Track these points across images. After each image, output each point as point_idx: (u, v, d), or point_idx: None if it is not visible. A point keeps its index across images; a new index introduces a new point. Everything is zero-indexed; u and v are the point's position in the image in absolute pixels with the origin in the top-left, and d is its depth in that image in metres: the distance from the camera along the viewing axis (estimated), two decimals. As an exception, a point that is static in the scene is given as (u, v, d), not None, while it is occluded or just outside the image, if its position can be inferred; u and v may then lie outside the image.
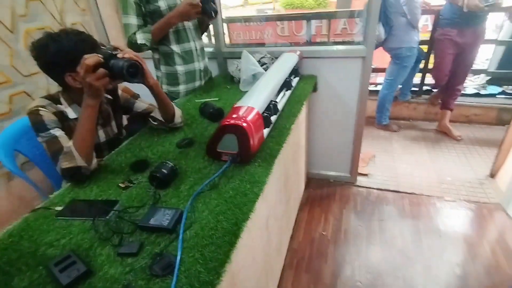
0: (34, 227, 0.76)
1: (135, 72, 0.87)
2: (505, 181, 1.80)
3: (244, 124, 0.89)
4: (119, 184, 0.90)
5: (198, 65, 1.54)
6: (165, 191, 0.85)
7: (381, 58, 2.77)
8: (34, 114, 0.94)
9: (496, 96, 2.78)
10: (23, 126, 1.22)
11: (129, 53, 0.89)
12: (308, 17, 2.74)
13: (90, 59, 0.81)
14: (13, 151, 1.21)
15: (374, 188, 2.03)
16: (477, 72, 2.93)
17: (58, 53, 0.89)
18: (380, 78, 3.17)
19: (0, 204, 1.63)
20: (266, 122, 1.03)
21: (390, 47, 2.46)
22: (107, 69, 0.84)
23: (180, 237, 0.68)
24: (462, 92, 2.82)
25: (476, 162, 2.20)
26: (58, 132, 0.94)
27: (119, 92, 1.18)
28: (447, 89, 2.56)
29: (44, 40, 0.92)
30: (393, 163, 2.29)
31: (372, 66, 3.09)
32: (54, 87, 1.72)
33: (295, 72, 1.55)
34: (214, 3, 1.36)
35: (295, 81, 1.56)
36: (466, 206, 1.82)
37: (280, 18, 2.80)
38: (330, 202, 1.94)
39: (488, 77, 2.93)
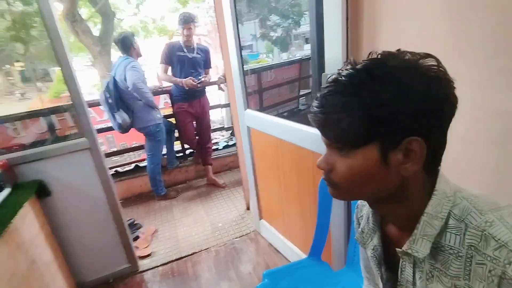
0: None
1: None
2: (252, 209, 2.24)
3: None
4: None
5: None
6: None
7: (140, 136, 2.93)
8: None
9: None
10: None
11: None
12: (42, 113, 2.51)
13: None
14: None
15: (159, 266, 1.97)
16: (219, 129, 3.68)
17: None
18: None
19: None
20: None
21: (139, 128, 2.63)
22: None
23: None
24: (216, 147, 3.43)
25: (238, 201, 2.64)
26: None
27: None
28: (201, 149, 3.01)
29: None
30: (174, 230, 2.35)
31: (136, 144, 3.21)
32: None
33: (-4, 187, 1.29)
34: None
35: (1, 196, 1.30)
36: (235, 244, 2.10)
37: None
38: (112, 308, 1.69)
39: (230, 130, 3.74)
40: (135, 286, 1.83)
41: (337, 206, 1.23)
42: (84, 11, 8.45)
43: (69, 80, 1.52)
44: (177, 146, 3.31)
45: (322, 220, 1.19)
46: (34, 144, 2.13)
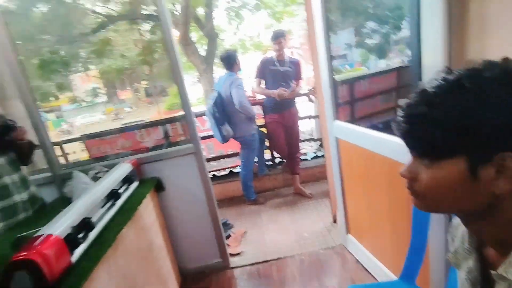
0: None
1: None
2: (339, 222, 2.17)
3: (33, 256, 0.88)
4: None
5: (19, 197, 1.47)
6: None
7: (235, 144, 3.22)
8: None
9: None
10: None
11: None
12: (161, 123, 3.06)
13: None
14: None
15: (247, 265, 2.12)
16: (308, 140, 3.69)
17: None
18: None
19: None
20: (73, 244, 1.04)
21: (236, 137, 2.88)
22: None
23: None
24: (304, 157, 3.47)
25: (324, 213, 2.61)
26: None
27: None
28: (290, 159, 3.10)
29: None
30: (262, 234, 2.48)
31: (231, 152, 3.52)
32: None
33: (129, 180, 1.64)
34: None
35: (132, 188, 1.64)
36: (320, 256, 2.07)
37: (126, 129, 3.01)
38: (206, 296, 1.90)
39: (319, 142, 3.72)
40: (226, 280, 2.01)
41: (437, 224, 1.11)
42: (194, 35, 9.79)
43: (182, 95, 1.82)
44: (266, 155, 3.50)
45: (417, 240, 1.09)
46: (154, 148, 2.61)
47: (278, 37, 2.82)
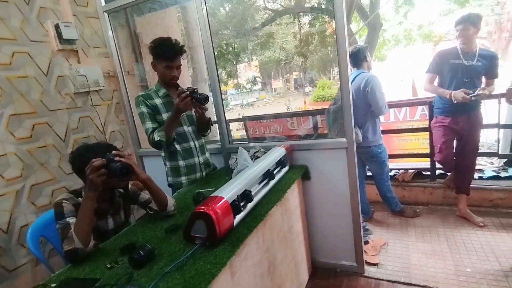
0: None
1: (126, 173, 1.14)
2: (529, 272, 1.62)
3: (209, 211, 1.06)
4: (107, 265, 1.06)
5: (198, 159, 1.83)
6: (140, 271, 1.00)
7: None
8: (57, 206, 1.21)
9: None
10: (51, 217, 1.50)
11: (122, 159, 1.16)
12: (312, 113, 3.11)
13: (97, 162, 1.09)
14: (39, 237, 1.46)
15: (384, 280, 1.91)
16: (489, 155, 2.89)
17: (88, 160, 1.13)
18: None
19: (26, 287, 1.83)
20: (236, 209, 1.19)
21: (361, 146, 2.40)
22: (107, 169, 1.11)
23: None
24: (481, 175, 2.76)
25: (502, 251, 2.00)
26: (71, 220, 1.17)
27: (130, 186, 1.45)
28: (458, 173, 2.53)
29: (81, 150, 1.25)
30: (406, 252, 2.16)
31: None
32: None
33: (282, 163, 1.75)
34: (201, 94, 1.60)
35: (283, 171, 1.74)
36: (488, 303, 1.62)
37: (279, 116, 3.20)
38: (335, 295, 1.84)
39: (504, 159, 2.86)
40: None
41: None
42: (353, 26, 9.40)
43: (344, 86, 1.75)
44: (424, 163, 3.01)
45: None
46: (304, 137, 2.68)
47: (461, 23, 2.25)
